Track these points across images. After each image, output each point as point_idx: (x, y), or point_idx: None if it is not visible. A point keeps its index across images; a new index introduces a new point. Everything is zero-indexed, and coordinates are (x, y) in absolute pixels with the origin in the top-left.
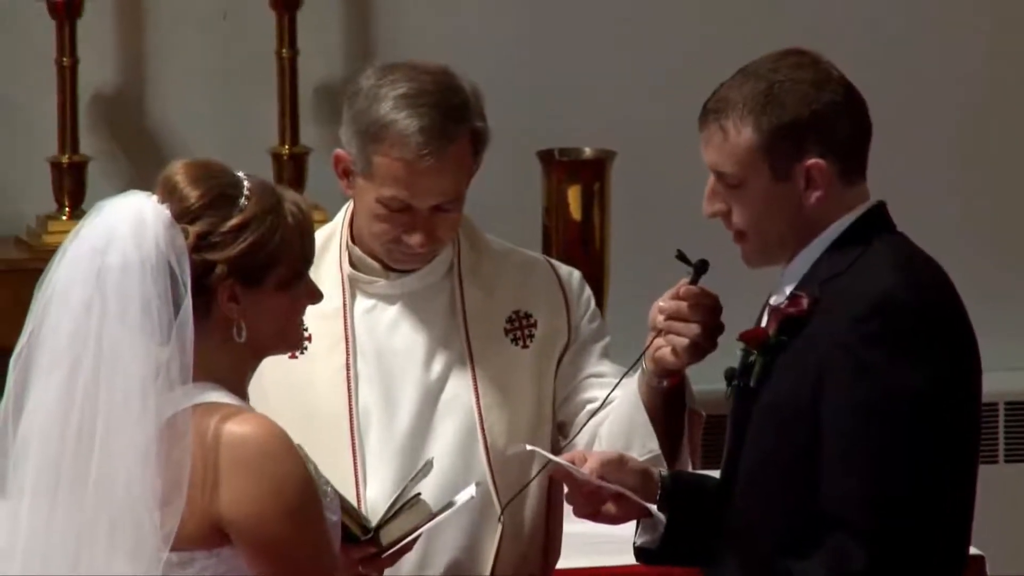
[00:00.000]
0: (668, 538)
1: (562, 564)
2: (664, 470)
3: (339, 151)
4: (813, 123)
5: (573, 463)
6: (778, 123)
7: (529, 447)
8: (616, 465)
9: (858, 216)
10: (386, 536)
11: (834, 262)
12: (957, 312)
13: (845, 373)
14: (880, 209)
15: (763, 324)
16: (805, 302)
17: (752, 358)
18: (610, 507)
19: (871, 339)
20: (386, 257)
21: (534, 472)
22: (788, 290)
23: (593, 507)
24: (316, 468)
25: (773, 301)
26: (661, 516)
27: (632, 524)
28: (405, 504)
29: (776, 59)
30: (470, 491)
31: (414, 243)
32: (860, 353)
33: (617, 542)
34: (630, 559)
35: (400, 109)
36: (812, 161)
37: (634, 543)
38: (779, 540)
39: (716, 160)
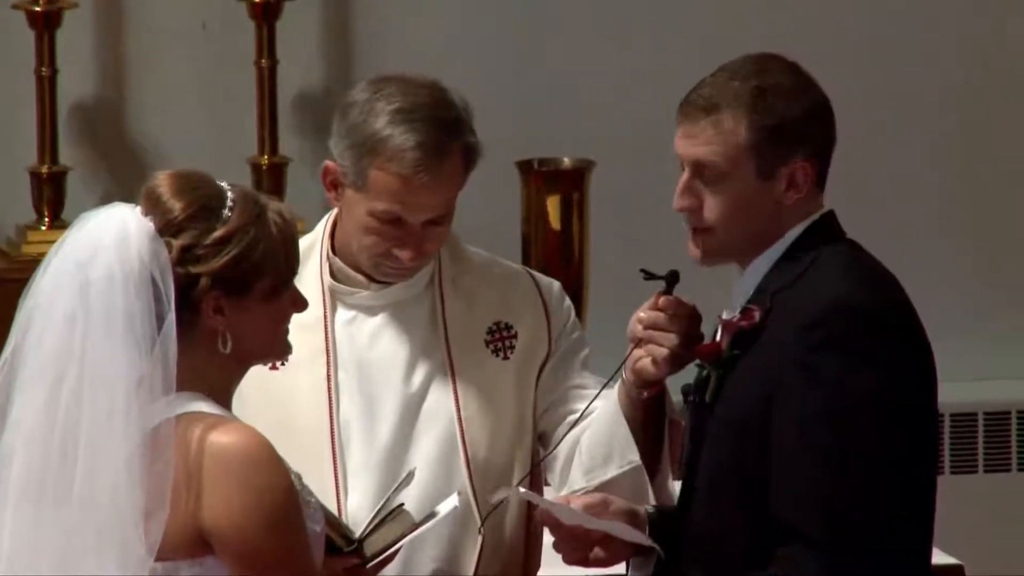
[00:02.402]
0: (660, 571)
1: (542, 574)
2: (649, 506)
3: (329, 163)
4: (803, 126)
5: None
6: (771, 122)
7: (522, 490)
8: (600, 508)
9: (807, 226)
10: (370, 547)
11: (785, 272)
12: (908, 316)
13: (796, 382)
14: (829, 217)
15: (717, 339)
16: (757, 314)
17: (706, 373)
18: (599, 551)
19: (820, 346)
20: (372, 271)
21: (515, 482)
22: (741, 303)
23: (581, 552)
24: (300, 478)
25: (726, 315)
26: (659, 549)
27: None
28: (388, 515)
29: (758, 61)
30: (452, 501)
31: (404, 257)
32: (810, 361)
33: None
34: (609, 570)
35: (396, 124)
36: (799, 163)
37: None
38: (739, 552)
39: (701, 153)
